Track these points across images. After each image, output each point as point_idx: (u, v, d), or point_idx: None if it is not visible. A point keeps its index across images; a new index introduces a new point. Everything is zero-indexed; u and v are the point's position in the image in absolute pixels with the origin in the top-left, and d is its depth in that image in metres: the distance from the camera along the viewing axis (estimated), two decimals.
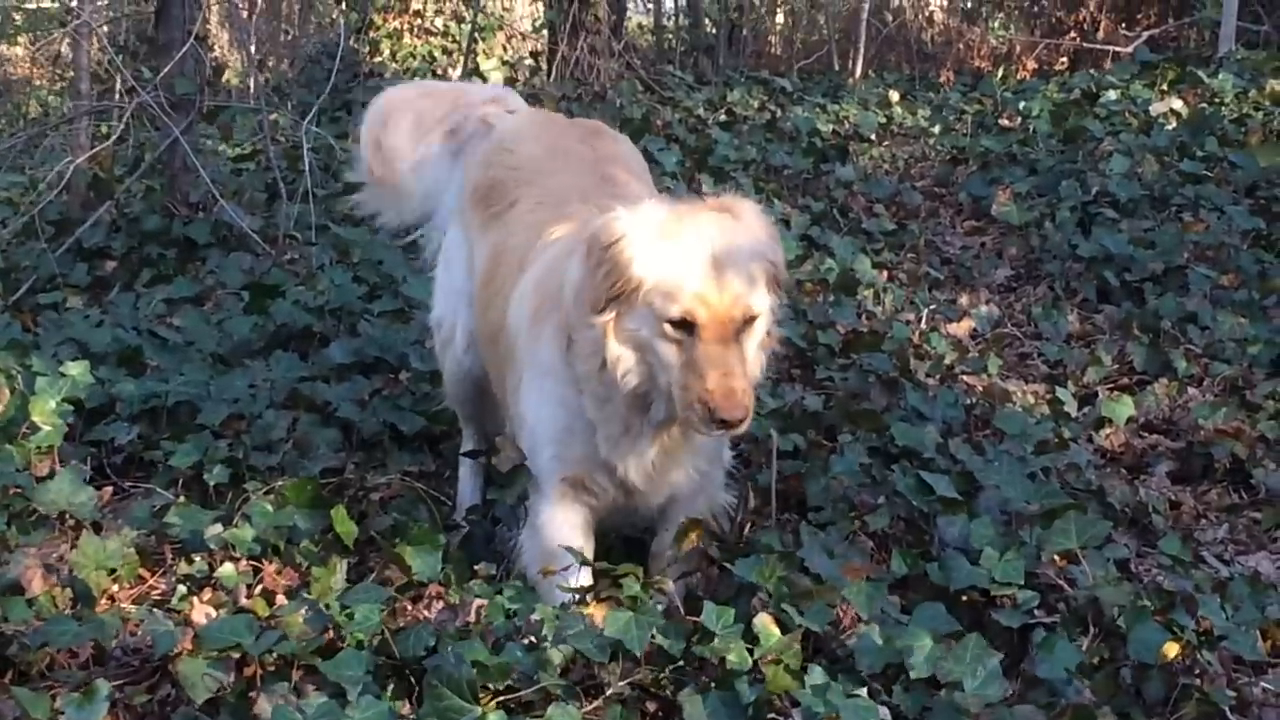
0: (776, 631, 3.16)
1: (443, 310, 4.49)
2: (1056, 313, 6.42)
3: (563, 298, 3.51)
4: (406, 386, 5.15)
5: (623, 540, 3.98)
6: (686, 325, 3.24)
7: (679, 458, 3.60)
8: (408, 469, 4.61)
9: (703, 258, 3.25)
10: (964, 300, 6.82)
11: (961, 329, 6.38)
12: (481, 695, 3.00)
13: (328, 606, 3.32)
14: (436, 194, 4.70)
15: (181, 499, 4.21)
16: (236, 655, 3.23)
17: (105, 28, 8.80)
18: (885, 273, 7.07)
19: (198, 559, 3.79)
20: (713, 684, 3.08)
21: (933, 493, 4.11)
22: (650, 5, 19.52)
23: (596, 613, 3.25)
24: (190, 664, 3.20)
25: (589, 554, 3.64)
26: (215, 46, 14.14)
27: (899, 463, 4.41)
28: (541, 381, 3.63)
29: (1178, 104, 9.95)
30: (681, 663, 3.15)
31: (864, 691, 3.08)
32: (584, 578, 3.54)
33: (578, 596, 3.44)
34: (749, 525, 4.00)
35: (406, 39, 13.91)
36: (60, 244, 6.91)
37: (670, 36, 17.91)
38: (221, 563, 3.74)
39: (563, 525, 3.63)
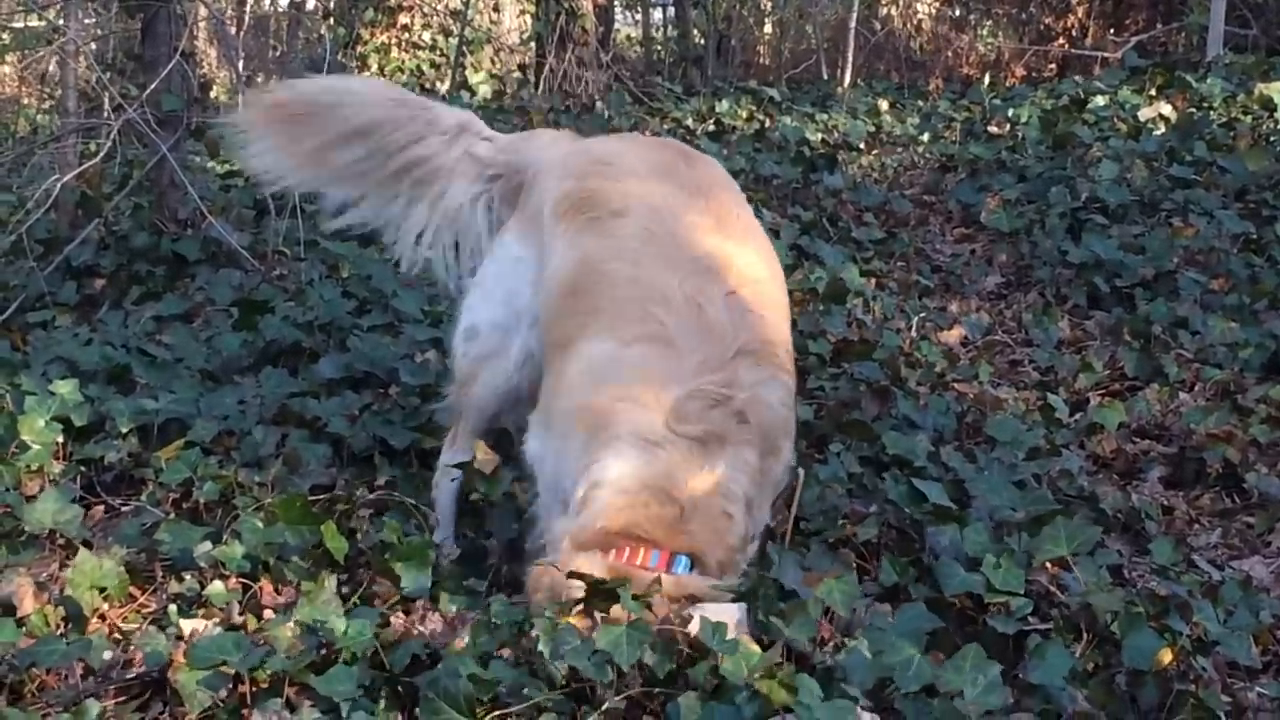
0: (756, 649, 3.13)
1: (488, 319, 4.26)
2: (1047, 319, 6.42)
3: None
4: (396, 401, 5.12)
5: None
6: None
7: None
8: (389, 480, 4.54)
9: None
10: (954, 308, 6.81)
11: (952, 336, 6.37)
12: (477, 709, 2.99)
13: (319, 622, 3.31)
14: None
15: (171, 516, 4.19)
16: (230, 672, 3.22)
17: (92, 45, 8.78)
18: (875, 281, 7.06)
19: (188, 577, 3.77)
20: (713, 692, 3.05)
21: (925, 500, 4.10)
22: (638, 17, 19.59)
23: (581, 624, 3.21)
24: (187, 675, 3.18)
25: None
26: (203, 63, 14.11)
27: (890, 471, 4.40)
28: None
29: (1166, 109, 9.97)
30: (675, 677, 3.13)
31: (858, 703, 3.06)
32: None
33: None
34: None
35: (394, 53, 13.92)
36: (49, 262, 6.89)
37: (659, 48, 17.97)
38: (212, 580, 3.72)
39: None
